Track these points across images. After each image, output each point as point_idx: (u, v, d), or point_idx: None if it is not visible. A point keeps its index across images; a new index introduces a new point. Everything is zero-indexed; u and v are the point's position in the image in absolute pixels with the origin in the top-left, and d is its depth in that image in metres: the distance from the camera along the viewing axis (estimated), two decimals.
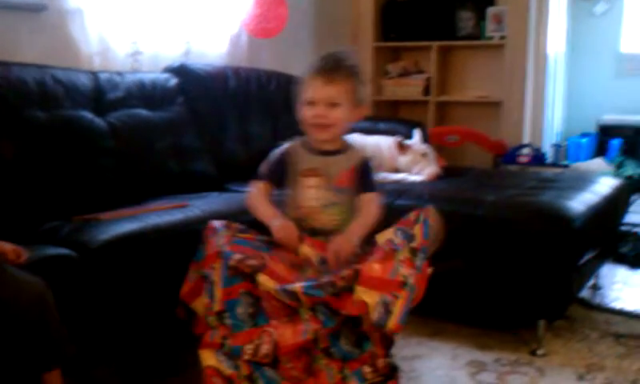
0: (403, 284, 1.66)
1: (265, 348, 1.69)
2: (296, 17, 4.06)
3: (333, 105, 1.87)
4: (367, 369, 1.74)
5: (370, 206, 1.95)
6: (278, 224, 1.86)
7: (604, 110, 6.73)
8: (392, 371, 1.78)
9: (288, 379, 1.71)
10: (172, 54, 3.34)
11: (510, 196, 2.75)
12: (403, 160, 3.38)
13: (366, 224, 1.92)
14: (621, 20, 6.93)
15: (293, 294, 1.67)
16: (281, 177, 1.97)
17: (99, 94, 2.70)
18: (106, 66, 2.97)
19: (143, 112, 2.82)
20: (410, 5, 4.89)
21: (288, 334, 1.68)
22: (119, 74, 2.87)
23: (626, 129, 6.63)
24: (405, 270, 1.68)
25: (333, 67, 1.89)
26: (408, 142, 3.43)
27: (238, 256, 1.74)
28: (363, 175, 1.97)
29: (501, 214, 2.55)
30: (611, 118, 6.72)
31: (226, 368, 1.71)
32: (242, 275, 1.73)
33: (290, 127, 3.62)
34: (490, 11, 4.59)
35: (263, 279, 1.70)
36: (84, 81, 2.67)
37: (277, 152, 2.05)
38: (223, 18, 3.60)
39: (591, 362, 2.45)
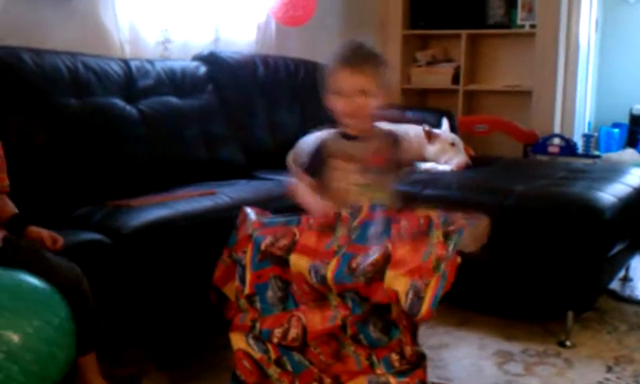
0: (435, 268, 1.64)
1: (293, 332, 1.70)
2: (324, 4, 4.05)
3: (363, 93, 1.89)
4: (395, 356, 1.74)
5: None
6: (320, 205, 1.88)
7: (636, 100, 6.62)
8: (420, 360, 1.78)
9: (316, 364, 1.73)
10: (201, 42, 3.35)
11: (540, 186, 2.73)
12: (432, 149, 3.37)
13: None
14: None
15: (323, 278, 1.67)
16: (318, 166, 1.97)
17: (130, 82, 2.73)
18: (137, 54, 3.00)
19: (173, 100, 2.85)
20: None
21: (317, 319, 1.69)
22: (149, 61, 2.90)
23: None
24: (437, 253, 1.65)
25: (361, 56, 1.91)
26: (436, 130, 3.41)
27: (268, 239, 1.76)
28: (395, 153, 2.00)
29: (530, 204, 2.54)
30: None
31: (256, 351, 1.74)
32: (273, 259, 1.75)
33: (318, 115, 3.62)
34: None
35: (295, 259, 1.71)
36: (115, 68, 2.70)
37: (312, 142, 2.09)
38: (252, 6, 3.60)
39: (620, 354, 2.43)
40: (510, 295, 2.64)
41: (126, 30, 3.00)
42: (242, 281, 1.78)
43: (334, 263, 1.67)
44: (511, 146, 4.53)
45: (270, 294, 1.75)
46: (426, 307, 1.61)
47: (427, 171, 3.20)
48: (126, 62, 2.78)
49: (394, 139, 2.02)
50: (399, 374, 1.73)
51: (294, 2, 3.62)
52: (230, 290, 1.88)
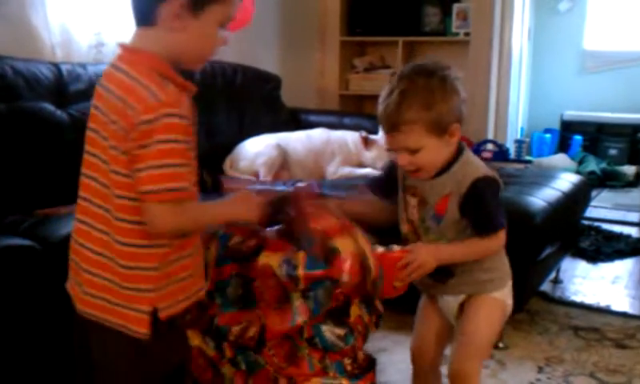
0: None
1: (252, 330, 1.68)
2: (262, 9, 4.04)
3: (413, 150, 1.58)
4: (347, 361, 1.74)
5: (481, 242, 1.65)
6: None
7: (567, 107, 6.84)
8: (371, 364, 1.79)
9: (269, 365, 1.72)
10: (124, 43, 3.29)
11: None
12: (368, 155, 3.40)
13: (462, 253, 1.66)
14: (584, 17, 7.06)
15: (294, 269, 1.65)
16: (387, 187, 1.81)
17: (61, 86, 2.66)
18: (69, 57, 2.93)
19: None
20: (376, 0, 4.90)
21: (277, 319, 1.67)
22: (81, 65, 2.83)
23: (588, 125, 6.77)
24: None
25: (394, 111, 1.57)
26: (373, 137, 3.44)
27: (237, 238, 1.72)
28: (469, 206, 1.61)
29: None
30: (574, 114, 6.85)
31: (210, 349, 1.71)
32: (238, 257, 1.72)
33: (256, 121, 3.64)
34: (456, 8, 4.62)
35: (265, 256, 1.68)
36: (45, 72, 2.63)
37: (386, 162, 1.90)
38: None
39: (551, 354, 2.49)
40: None
41: (57, 32, 2.92)
42: (206, 278, 1.76)
43: (302, 254, 1.66)
44: None
45: (230, 290, 1.73)
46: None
47: (364, 177, 3.23)
48: (56, 65, 2.71)
49: (470, 188, 1.61)
50: (351, 377, 1.74)
51: None
52: None
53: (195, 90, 1.34)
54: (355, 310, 1.69)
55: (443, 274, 1.72)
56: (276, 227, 1.70)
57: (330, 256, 1.60)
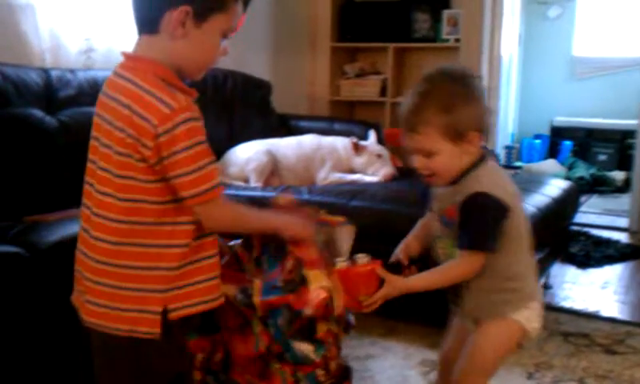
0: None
1: (218, 356, 1.68)
2: (253, 16, 4.04)
3: (429, 154, 1.57)
4: (320, 372, 1.73)
5: (455, 263, 1.61)
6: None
7: (557, 112, 6.88)
8: (345, 373, 1.78)
9: (242, 383, 1.71)
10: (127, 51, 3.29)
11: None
12: (359, 161, 3.40)
13: (435, 281, 1.64)
14: (573, 24, 7.10)
15: (249, 296, 1.65)
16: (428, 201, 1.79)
17: (50, 92, 2.66)
18: (58, 63, 2.92)
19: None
20: (366, 6, 4.92)
21: (240, 346, 1.67)
22: (71, 71, 2.82)
23: (577, 131, 6.81)
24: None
25: (412, 111, 1.56)
26: (363, 142, 3.45)
27: None
28: (461, 216, 1.57)
29: None
30: (563, 120, 6.88)
31: None
32: None
33: (247, 127, 3.63)
34: (445, 14, 4.64)
35: (223, 288, 1.69)
36: (34, 78, 2.62)
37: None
38: None
39: (540, 360, 2.50)
40: (435, 303, 2.67)
41: (47, 38, 2.91)
42: None
43: (257, 283, 1.66)
44: None
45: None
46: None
47: (354, 182, 3.24)
48: (46, 71, 2.71)
49: (466, 199, 1.56)
50: None
51: None
52: None
53: (196, 95, 1.36)
54: (322, 327, 1.69)
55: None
56: (239, 240, 1.70)
57: (297, 284, 1.60)
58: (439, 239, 1.67)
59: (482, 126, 1.58)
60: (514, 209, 1.57)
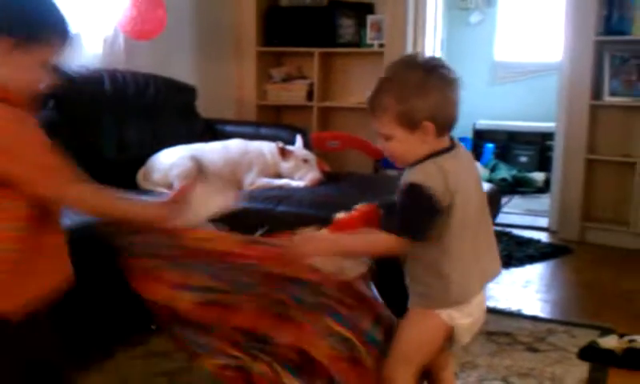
0: None
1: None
2: (176, 20, 3.98)
3: (387, 137, 1.63)
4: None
5: (379, 237, 1.63)
6: None
7: (479, 116, 7.03)
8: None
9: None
10: None
11: (388, 200, 2.80)
12: (285, 166, 3.39)
13: (358, 245, 1.68)
14: (494, 30, 7.28)
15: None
16: None
17: None
18: None
19: None
20: (292, 11, 4.92)
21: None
22: None
23: (499, 133, 6.98)
24: None
25: (372, 95, 1.63)
26: (290, 147, 3.44)
27: None
28: (396, 201, 1.63)
29: None
30: (486, 123, 7.05)
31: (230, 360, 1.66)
32: None
33: (170, 133, 3.56)
34: (370, 19, 4.69)
35: None
36: None
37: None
38: (97, 19, 3.47)
39: (465, 360, 2.53)
40: None
41: None
42: None
43: None
44: (364, 162, 4.65)
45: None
46: None
47: (281, 188, 3.22)
48: None
49: (400, 187, 1.62)
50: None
51: (143, 15, 3.53)
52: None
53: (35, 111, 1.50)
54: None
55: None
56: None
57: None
58: None
59: (438, 117, 1.59)
60: (452, 207, 1.58)
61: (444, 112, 1.60)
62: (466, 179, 1.64)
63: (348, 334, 1.64)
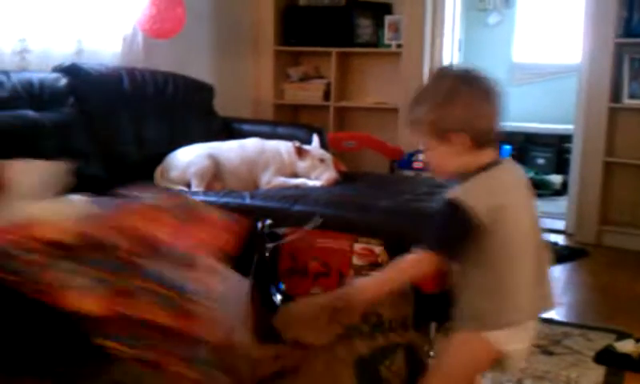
0: None
1: None
2: (194, 18, 4.00)
3: (425, 148, 1.63)
4: None
5: (408, 262, 1.59)
6: None
7: None
8: None
9: None
10: (63, 53, 3.21)
11: (403, 202, 2.80)
12: (302, 165, 3.39)
13: (385, 283, 1.66)
14: (513, 30, 7.25)
15: None
16: None
17: None
18: None
19: (30, 113, 2.70)
20: (310, 11, 4.93)
21: None
22: (4, 72, 2.74)
23: (516, 135, 6.94)
24: None
25: (409, 106, 1.62)
26: (307, 147, 3.44)
27: None
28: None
29: (392, 220, 2.59)
30: (503, 124, 6.99)
31: None
32: None
33: (188, 131, 3.58)
34: (387, 20, 4.69)
35: None
36: None
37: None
38: (117, 17, 3.50)
39: None
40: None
41: None
42: None
43: None
44: (380, 162, 4.65)
45: None
46: None
47: (297, 187, 3.22)
48: None
49: (442, 203, 1.57)
50: None
51: (162, 14, 3.55)
52: None
53: None
54: None
55: None
56: None
57: None
58: None
59: (471, 128, 1.54)
60: (495, 224, 1.52)
61: (477, 124, 1.55)
62: (515, 195, 1.60)
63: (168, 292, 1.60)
